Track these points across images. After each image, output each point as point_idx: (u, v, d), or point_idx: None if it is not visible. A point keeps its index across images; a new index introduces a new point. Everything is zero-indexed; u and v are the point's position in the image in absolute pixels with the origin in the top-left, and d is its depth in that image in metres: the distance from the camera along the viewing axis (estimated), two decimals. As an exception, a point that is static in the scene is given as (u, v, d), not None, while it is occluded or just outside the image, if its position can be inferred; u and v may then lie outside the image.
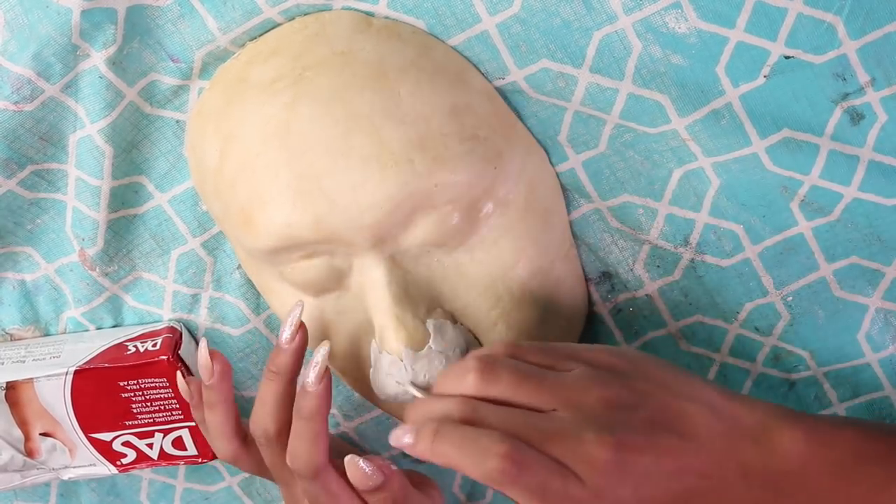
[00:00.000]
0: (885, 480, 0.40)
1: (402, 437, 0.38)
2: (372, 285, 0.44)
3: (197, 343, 0.53)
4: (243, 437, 0.47)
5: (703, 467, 0.39)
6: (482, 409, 0.39)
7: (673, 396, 0.40)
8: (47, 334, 0.54)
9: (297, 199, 0.42)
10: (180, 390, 0.48)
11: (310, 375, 0.42)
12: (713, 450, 0.39)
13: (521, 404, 0.39)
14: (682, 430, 0.39)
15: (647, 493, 0.38)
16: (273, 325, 0.53)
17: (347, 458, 0.42)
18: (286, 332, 0.44)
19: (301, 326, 0.44)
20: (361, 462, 0.42)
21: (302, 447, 0.43)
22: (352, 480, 0.43)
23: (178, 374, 0.48)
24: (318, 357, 0.43)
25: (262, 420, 0.45)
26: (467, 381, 0.39)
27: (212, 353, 0.46)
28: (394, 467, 0.44)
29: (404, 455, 0.56)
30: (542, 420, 0.38)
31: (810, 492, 0.40)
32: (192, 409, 0.48)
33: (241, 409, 0.55)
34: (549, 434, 0.37)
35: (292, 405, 0.44)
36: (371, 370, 0.46)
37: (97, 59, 0.45)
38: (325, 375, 0.43)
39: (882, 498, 0.40)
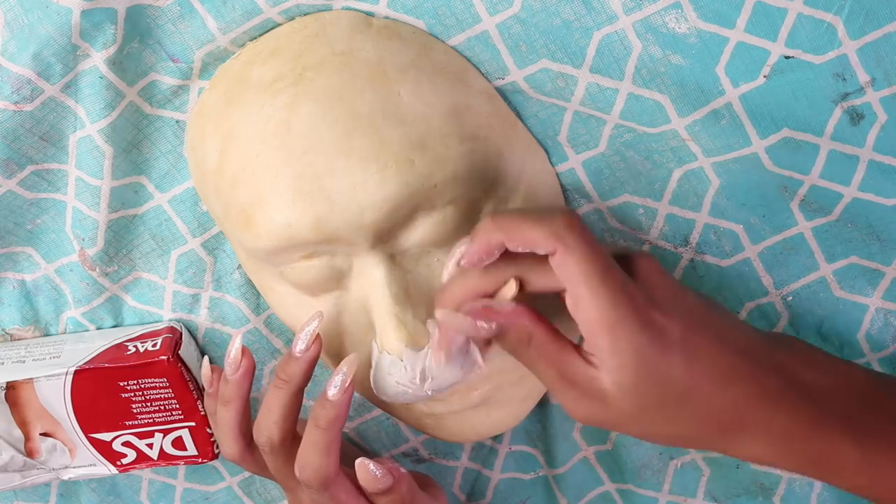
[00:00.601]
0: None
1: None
2: (372, 285, 0.44)
3: (197, 343, 0.53)
4: (250, 438, 0.47)
5: (743, 346, 0.40)
6: None
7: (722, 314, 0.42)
8: (47, 334, 0.54)
9: (297, 199, 0.42)
10: (202, 374, 0.47)
11: (333, 385, 0.42)
12: (751, 346, 0.41)
13: None
14: (726, 326, 0.41)
15: (692, 326, 0.39)
16: (273, 325, 0.53)
17: (358, 462, 0.43)
18: (301, 343, 0.43)
19: (317, 338, 0.44)
20: (372, 465, 0.43)
21: (314, 457, 0.43)
22: (362, 483, 0.43)
23: (206, 358, 0.48)
24: (343, 367, 0.43)
25: (267, 428, 0.44)
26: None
27: (243, 350, 0.45)
28: (402, 470, 0.44)
29: (404, 455, 0.56)
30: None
31: (844, 406, 0.41)
32: (206, 396, 0.48)
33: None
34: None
35: (297, 414, 0.45)
36: (371, 370, 0.46)
37: (97, 59, 0.45)
38: (349, 387, 0.43)
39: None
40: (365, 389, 0.48)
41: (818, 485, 0.52)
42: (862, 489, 0.41)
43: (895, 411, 0.42)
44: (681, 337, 0.39)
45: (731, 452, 0.41)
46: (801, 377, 0.41)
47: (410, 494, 0.44)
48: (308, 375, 0.44)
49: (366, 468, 0.43)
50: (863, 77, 0.42)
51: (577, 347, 0.40)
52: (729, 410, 0.39)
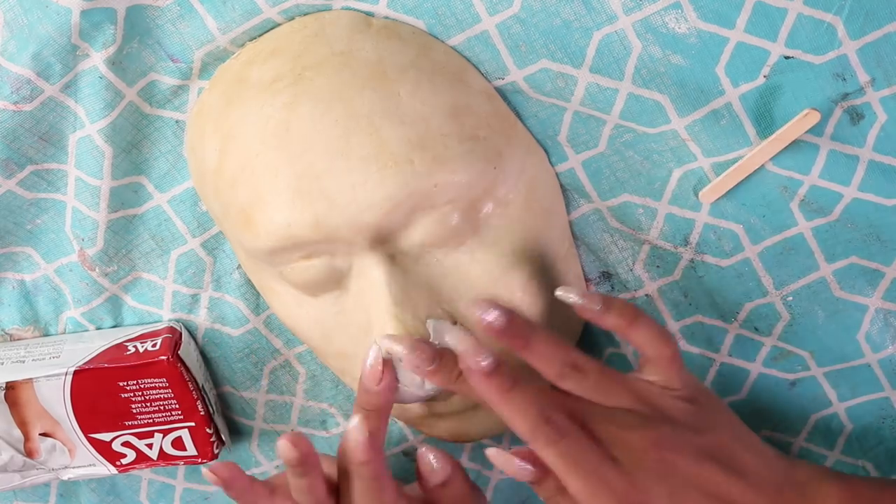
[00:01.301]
0: None
1: (480, 358, 0.40)
2: (371, 285, 0.44)
3: (196, 343, 0.53)
4: None
5: (746, 502, 0.41)
6: (553, 393, 0.41)
7: (733, 438, 0.43)
8: (47, 334, 0.54)
9: (296, 199, 0.42)
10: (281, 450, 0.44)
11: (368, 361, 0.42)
12: (760, 492, 0.41)
13: (596, 399, 0.42)
14: (733, 466, 0.41)
15: (679, 492, 0.40)
16: (273, 325, 0.53)
17: (420, 451, 0.44)
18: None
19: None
20: (431, 455, 0.44)
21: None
22: (421, 472, 0.44)
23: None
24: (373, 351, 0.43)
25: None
26: (555, 365, 0.41)
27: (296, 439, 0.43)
28: (459, 465, 0.45)
29: (404, 454, 0.56)
30: (603, 410, 0.41)
31: None
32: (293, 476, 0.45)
33: (239, 409, 0.55)
34: (603, 419, 0.41)
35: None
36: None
37: (97, 59, 0.45)
38: (385, 374, 0.42)
39: None
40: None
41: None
42: None
43: None
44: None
45: None
46: None
47: (464, 490, 0.45)
48: (391, 404, 0.44)
49: (426, 455, 0.44)
50: (863, 77, 0.42)
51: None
52: None
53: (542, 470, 0.41)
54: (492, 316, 0.40)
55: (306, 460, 0.43)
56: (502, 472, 0.56)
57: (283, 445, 0.42)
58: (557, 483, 0.41)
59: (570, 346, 0.43)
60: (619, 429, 0.40)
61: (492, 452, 0.41)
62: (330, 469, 0.45)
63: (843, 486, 0.43)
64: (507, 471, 0.41)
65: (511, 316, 0.41)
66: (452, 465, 0.44)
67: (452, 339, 0.42)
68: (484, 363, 0.40)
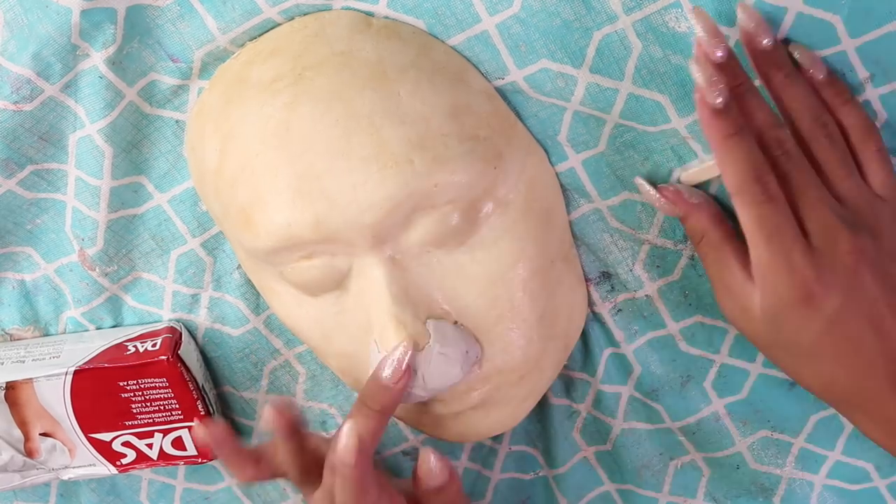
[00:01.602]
0: None
1: (710, 84, 0.39)
2: (372, 285, 0.44)
3: (196, 343, 0.53)
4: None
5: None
6: (796, 153, 0.41)
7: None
8: (47, 334, 0.54)
9: (296, 199, 0.42)
10: (264, 418, 0.45)
11: (388, 366, 0.43)
12: None
13: (827, 174, 0.41)
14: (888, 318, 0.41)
15: (852, 306, 0.40)
16: (273, 325, 0.53)
17: (422, 450, 0.44)
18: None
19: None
20: (433, 457, 0.44)
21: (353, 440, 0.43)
22: (420, 472, 0.44)
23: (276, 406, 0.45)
24: (398, 350, 0.43)
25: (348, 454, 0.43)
26: (810, 114, 0.41)
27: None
28: (456, 472, 0.45)
29: (404, 454, 0.56)
30: (827, 196, 0.41)
31: None
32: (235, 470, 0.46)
33: (239, 409, 0.55)
34: (824, 203, 0.40)
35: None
36: (371, 370, 0.46)
37: (97, 59, 0.45)
38: (406, 371, 0.43)
39: None
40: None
41: (818, 485, 0.52)
42: None
43: None
44: (831, 312, 0.40)
45: (850, 420, 0.43)
46: None
47: (457, 499, 0.45)
48: (397, 405, 0.44)
49: (427, 457, 0.44)
50: (862, 73, 0.42)
51: (745, 256, 0.41)
52: (850, 390, 0.41)
53: (686, 210, 0.43)
54: (757, 32, 0.40)
55: (292, 425, 0.44)
56: (502, 472, 0.56)
57: (267, 412, 0.43)
58: (697, 225, 0.43)
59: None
60: (833, 221, 0.40)
61: (639, 181, 0.43)
62: (322, 444, 0.45)
63: None
64: (650, 201, 0.44)
65: (773, 42, 0.40)
66: (451, 473, 0.44)
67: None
68: (717, 97, 0.39)
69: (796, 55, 0.42)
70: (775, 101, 0.42)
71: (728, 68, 0.40)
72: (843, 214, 0.41)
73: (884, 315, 0.40)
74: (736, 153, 0.40)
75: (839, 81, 0.42)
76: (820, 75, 0.41)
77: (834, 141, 0.42)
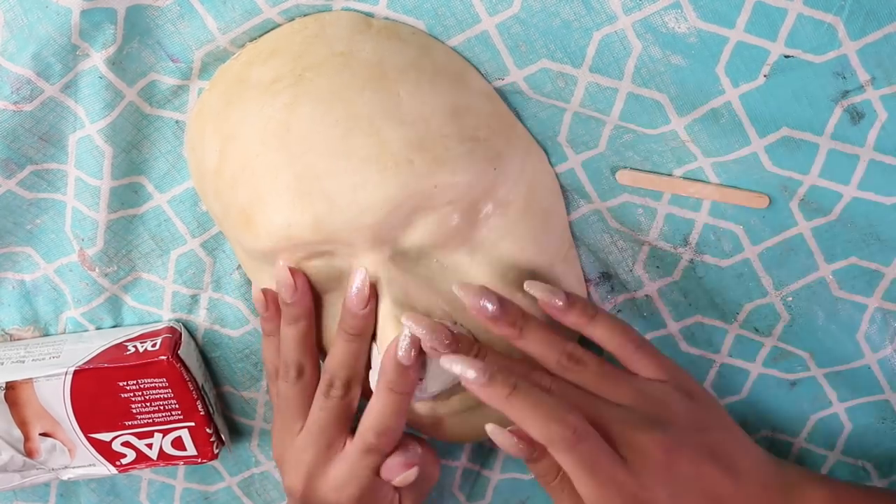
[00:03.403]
0: None
1: (468, 371, 0.40)
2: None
3: (196, 343, 0.53)
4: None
5: (736, 501, 0.42)
6: (560, 384, 0.42)
7: (728, 436, 0.44)
8: (47, 334, 0.54)
9: (296, 199, 0.42)
10: (254, 299, 0.48)
11: (402, 348, 0.42)
12: (749, 492, 0.42)
13: (597, 393, 0.42)
14: (729, 464, 0.42)
15: (681, 493, 0.41)
16: (273, 325, 0.53)
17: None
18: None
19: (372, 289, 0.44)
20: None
21: (393, 421, 0.44)
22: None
23: (263, 293, 0.47)
24: (406, 330, 0.43)
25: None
26: (553, 353, 0.42)
27: (292, 270, 0.45)
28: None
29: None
30: (611, 407, 0.42)
31: None
32: (262, 320, 0.48)
33: (239, 409, 0.55)
34: (613, 418, 0.41)
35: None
36: (371, 370, 0.46)
37: (97, 59, 0.45)
38: (418, 345, 0.42)
39: None
40: (365, 389, 0.48)
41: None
42: None
43: None
44: None
45: None
46: None
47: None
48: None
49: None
50: (863, 76, 0.42)
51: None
52: None
53: (540, 450, 0.41)
54: (485, 302, 0.41)
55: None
56: (502, 472, 0.56)
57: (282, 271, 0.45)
58: (553, 463, 0.41)
59: (566, 336, 0.43)
60: (630, 429, 0.41)
61: (490, 428, 0.42)
62: None
63: (830, 491, 0.44)
64: (505, 447, 0.42)
65: (505, 302, 0.42)
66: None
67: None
68: (477, 375, 0.39)
69: (532, 291, 0.43)
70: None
71: (499, 323, 0.42)
72: (632, 419, 0.41)
73: (714, 484, 0.41)
74: (522, 408, 0.39)
75: (578, 301, 0.43)
76: (559, 302, 0.42)
77: (586, 363, 0.43)
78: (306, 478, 0.47)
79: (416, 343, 0.42)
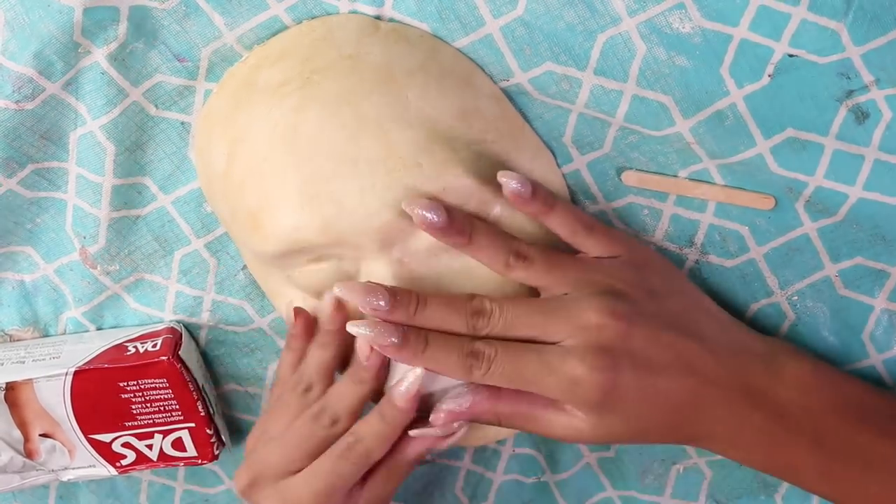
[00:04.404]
0: (885, 432, 0.43)
1: (387, 338, 0.41)
2: None
3: (197, 344, 0.53)
4: None
5: (710, 370, 0.42)
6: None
7: (691, 303, 0.44)
8: (46, 335, 0.54)
9: (304, 202, 0.42)
10: (283, 314, 0.48)
11: (399, 395, 0.43)
12: (722, 360, 0.42)
13: (547, 283, 0.43)
14: (691, 330, 0.42)
15: (644, 363, 0.41)
16: (277, 328, 0.52)
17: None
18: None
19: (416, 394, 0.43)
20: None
21: (376, 444, 0.44)
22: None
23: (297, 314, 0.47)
24: (409, 378, 0.42)
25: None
26: (501, 255, 0.43)
27: (336, 305, 0.45)
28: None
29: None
30: (540, 301, 0.42)
31: (815, 425, 0.43)
32: (289, 336, 0.48)
33: (244, 405, 0.55)
34: (561, 306, 0.42)
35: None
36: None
37: (98, 56, 0.45)
38: (415, 396, 0.42)
39: (882, 448, 0.43)
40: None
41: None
42: (823, 495, 0.44)
43: (876, 429, 0.43)
44: (633, 380, 0.41)
45: (716, 452, 0.44)
46: (774, 395, 0.43)
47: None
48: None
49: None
50: (867, 77, 0.42)
51: (542, 401, 0.42)
52: (687, 428, 0.42)
53: (467, 415, 0.42)
54: (431, 214, 0.41)
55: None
56: (505, 473, 0.56)
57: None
58: (497, 412, 0.42)
59: (511, 235, 0.43)
60: (578, 315, 0.41)
61: (415, 433, 0.43)
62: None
63: (812, 366, 0.44)
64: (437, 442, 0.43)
65: (452, 211, 0.41)
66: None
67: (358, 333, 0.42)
68: (391, 336, 0.41)
69: (500, 178, 0.42)
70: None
71: (447, 234, 0.42)
72: (581, 299, 0.41)
73: (680, 350, 0.41)
74: (437, 359, 0.41)
75: (541, 191, 0.43)
76: (526, 190, 0.42)
77: (532, 258, 0.43)
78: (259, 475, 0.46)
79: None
